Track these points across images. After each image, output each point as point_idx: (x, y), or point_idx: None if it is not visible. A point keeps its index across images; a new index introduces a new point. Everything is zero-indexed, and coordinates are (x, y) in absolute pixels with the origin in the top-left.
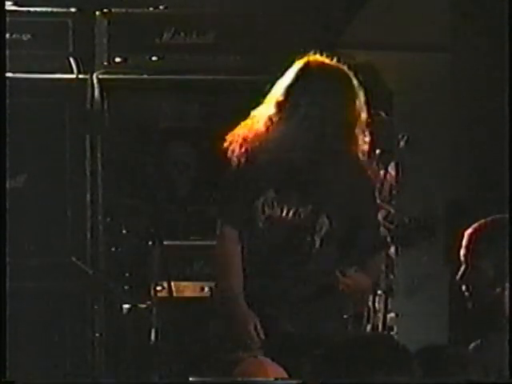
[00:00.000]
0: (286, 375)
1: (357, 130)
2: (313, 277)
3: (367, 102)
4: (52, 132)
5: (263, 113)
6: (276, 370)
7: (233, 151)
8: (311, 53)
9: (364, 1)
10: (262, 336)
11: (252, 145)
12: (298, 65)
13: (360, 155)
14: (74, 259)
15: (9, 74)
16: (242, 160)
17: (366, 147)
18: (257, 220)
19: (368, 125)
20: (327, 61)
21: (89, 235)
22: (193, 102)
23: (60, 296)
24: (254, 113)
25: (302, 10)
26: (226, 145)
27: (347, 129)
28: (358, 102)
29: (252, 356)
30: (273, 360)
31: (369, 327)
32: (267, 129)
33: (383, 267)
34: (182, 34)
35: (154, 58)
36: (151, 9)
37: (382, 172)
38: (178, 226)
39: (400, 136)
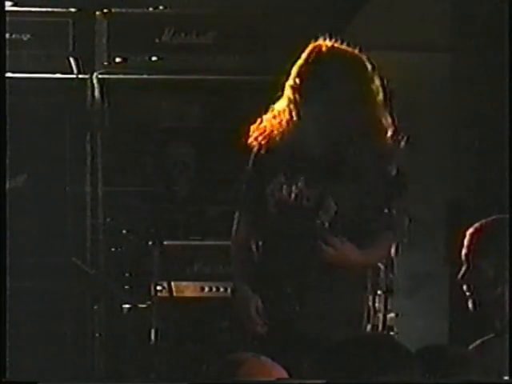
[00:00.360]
0: (287, 376)
1: (376, 113)
2: (322, 260)
3: (383, 85)
4: (52, 132)
5: (282, 104)
6: (278, 371)
7: (252, 144)
8: (321, 38)
9: (364, 1)
10: (265, 318)
11: (270, 135)
12: (311, 49)
13: (383, 138)
14: (74, 259)
15: (9, 74)
16: (260, 151)
17: (388, 129)
18: (268, 205)
19: (386, 107)
20: (338, 45)
21: (89, 235)
22: (193, 102)
23: (60, 296)
24: (273, 106)
25: (301, 10)
26: (247, 139)
27: (365, 112)
28: (373, 85)
29: (255, 356)
30: (275, 352)
31: (369, 327)
32: (285, 118)
33: (391, 250)
34: (182, 34)
35: (153, 58)
36: (151, 9)
37: None
38: (178, 226)
39: (400, 136)
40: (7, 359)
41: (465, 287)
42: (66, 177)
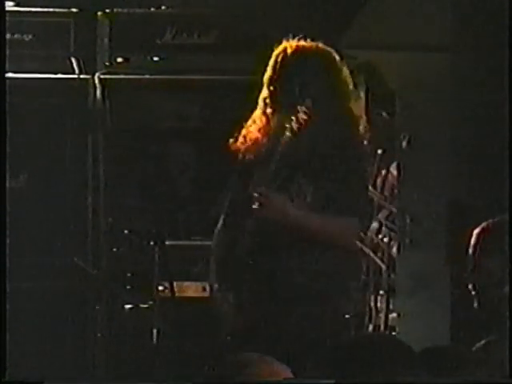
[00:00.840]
0: (292, 376)
1: (347, 104)
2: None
3: (352, 75)
4: (53, 132)
5: (258, 111)
6: (284, 371)
7: (235, 150)
8: (285, 39)
9: (365, 0)
10: (235, 309)
11: (250, 141)
12: (276, 54)
13: (356, 128)
14: (75, 259)
15: (10, 75)
16: (242, 157)
17: (360, 119)
18: (244, 201)
19: (356, 98)
20: (303, 43)
21: (90, 235)
22: (194, 102)
23: (62, 296)
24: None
25: (302, 10)
26: (231, 146)
27: (337, 104)
28: (342, 76)
29: (260, 357)
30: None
31: (371, 327)
32: (262, 124)
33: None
34: (184, 34)
35: (155, 58)
36: (153, 9)
37: (383, 172)
38: (180, 226)
39: (402, 136)
40: (8, 359)
41: (470, 286)
42: (67, 177)
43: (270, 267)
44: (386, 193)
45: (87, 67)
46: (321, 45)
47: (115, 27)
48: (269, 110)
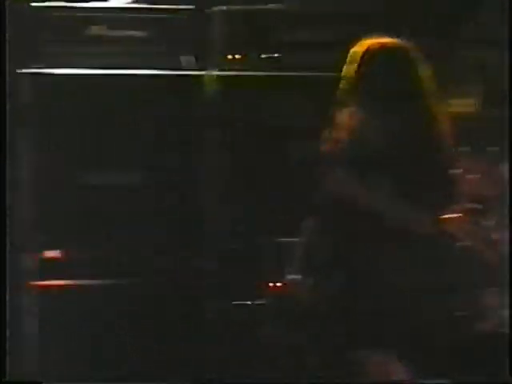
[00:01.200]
0: (405, 372)
1: (427, 102)
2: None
3: (433, 73)
4: (169, 129)
5: (345, 111)
6: (401, 371)
7: (323, 150)
8: (367, 37)
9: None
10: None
11: (337, 141)
12: (358, 51)
13: (439, 123)
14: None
15: (128, 71)
16: (332, 157)
17: (438, 117)
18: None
19: (436, 95)
20: (385, 40)
21: (205, 233)
22: (309, 99)
23: (175, 294)
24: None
25: (417, 7)
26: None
27: (418, 103)
28: (421, 74)
29: (372, 355)
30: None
31: (482, 325)
32: (348, 124)
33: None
34: (299, 31)
35: (270, 55)
36: (268, 5)
37: (497, 170)
38: (292, 224)
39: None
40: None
41: None
42: (184, 173)
43: (364, 265)
44: (501, 191)
45: (202, 64)
46: (403, 42)
47: (230, 24)
48: (351, 108)
